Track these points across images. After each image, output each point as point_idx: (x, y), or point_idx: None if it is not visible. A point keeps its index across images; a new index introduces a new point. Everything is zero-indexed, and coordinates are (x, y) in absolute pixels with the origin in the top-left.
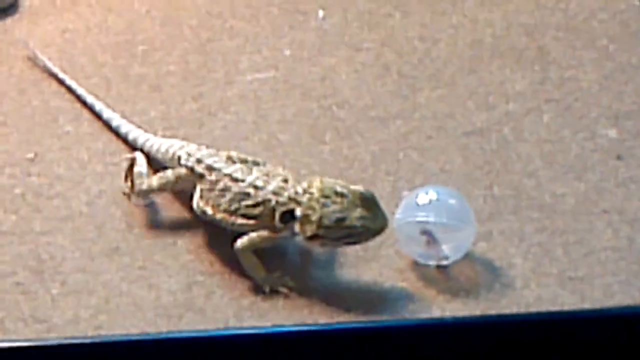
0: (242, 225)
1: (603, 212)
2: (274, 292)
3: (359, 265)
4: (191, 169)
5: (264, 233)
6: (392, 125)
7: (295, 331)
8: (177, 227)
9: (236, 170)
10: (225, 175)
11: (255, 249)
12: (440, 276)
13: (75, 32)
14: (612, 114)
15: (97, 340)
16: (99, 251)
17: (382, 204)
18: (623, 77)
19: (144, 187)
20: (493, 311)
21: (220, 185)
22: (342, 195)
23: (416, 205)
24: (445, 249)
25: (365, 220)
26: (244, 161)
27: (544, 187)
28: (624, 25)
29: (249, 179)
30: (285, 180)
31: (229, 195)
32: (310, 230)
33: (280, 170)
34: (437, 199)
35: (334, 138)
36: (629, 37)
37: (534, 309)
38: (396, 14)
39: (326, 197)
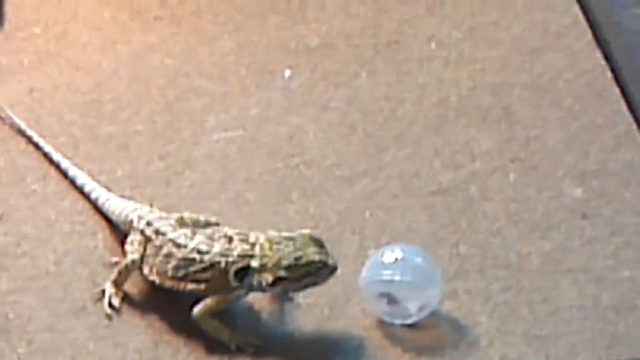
0: (193, 290)
1: (568, 271)
2: (241, 350)
3: (325, 323)
4: (141, 232)
5: (218, 297)
6: (358, 184)
7: None
8: (143, 286)
9: (179, 235)
10: (169, 240)
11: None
12: (406, 335)
13: (43, 91)
14: (578, 173)
15: None
16: (66, 310)
17: (349, 263)
18: (588, 137)
19: (131, 264)
20: None
21: (164, 250)
22: (291, 239)
23: (382, 264)
24: (411, 307)
25: (321, 255)
26: (195, 223)
27: (510, 246)
28: (589, 84)
29: (192, 244)
30: (230, 240)
31: (173, 262)
32: (271, 275)
33: (225, 229)
34: (403, 258)
35: (300, 197)
36: (594, 96)
37: None
38: (362, 73)
39: (277, 243)
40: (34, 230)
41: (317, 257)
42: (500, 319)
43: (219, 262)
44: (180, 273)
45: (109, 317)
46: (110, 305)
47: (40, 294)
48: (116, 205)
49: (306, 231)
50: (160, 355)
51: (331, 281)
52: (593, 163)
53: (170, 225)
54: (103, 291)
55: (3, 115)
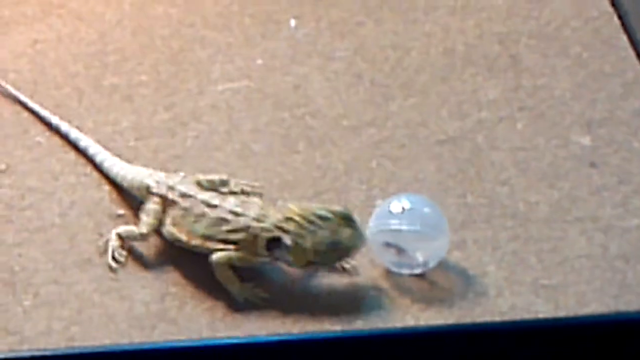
0: (220, 250)
1: (577, 220)
2: (248, 303)
3: (332, 275)
4: (162, 196)
5: (242, 254)
6: (364, 134)
7: (268, 341)
8: (150, 238)
9: (211, 196)
10: (201, 201)
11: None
12: (414, 285)
13: (47, 43)
14: (585, 122)
15: (69, 351)
16: (72, 262)
17: (355, 213)
18: (596, 85)
19: (139, 236)
20: (467, 319)
21: (195, 211)
22: (325, 219)
23: (389, 214)
24: (419, 257)
25: (354, 240)
26: (211, 183)
27: (518, 195)
28: (596, 32)
29: (226, 205)
30: (262, 208)
31: (205, 222)
32: (305, 258)
33: (254, 198)
34: (411, 208)
35: (306, 147)
36: (602, 44)
37: (507, 317)
38: (368, 22)
39: (310, 222)
40: (38, 182)
41: (350, 244)
42: (509, 269)
43: (252, 227)
44: (211, 231)
45: (113, 270)
46: (115, 259)
47: (46, 247)
48: (126, 172)
49: (338, 209)
50: (167, 307)
51: None
52: (601, 111)
53: (194, 187)
54: (108, 242)
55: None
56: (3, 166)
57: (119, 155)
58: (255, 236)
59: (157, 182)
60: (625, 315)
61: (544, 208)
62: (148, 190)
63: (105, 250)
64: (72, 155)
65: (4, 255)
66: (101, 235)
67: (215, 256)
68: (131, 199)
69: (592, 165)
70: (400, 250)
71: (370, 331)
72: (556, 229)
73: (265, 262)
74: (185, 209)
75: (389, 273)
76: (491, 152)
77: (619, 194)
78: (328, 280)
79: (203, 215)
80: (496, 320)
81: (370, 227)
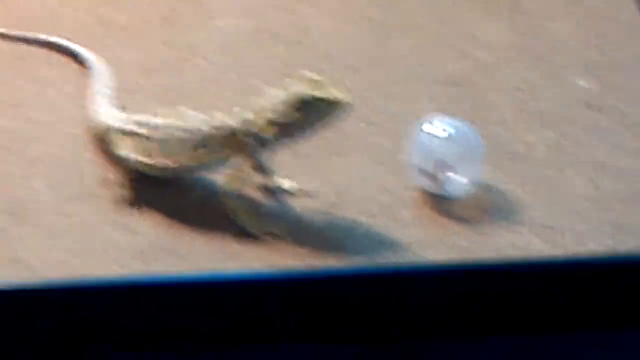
0: (212, 159)
1: (575, 161)
2: (258, 236)
3: (333, 211)
4: (130, 132)
5: (237, 163)
6: (365, 72)
7: (267, 274)
8: (151, 179)
9: (179, 123)
10: (173, 127)
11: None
12: (415, 223)
13: None
14: (585, 64)
15: (70, 281)
16: (74, 194)
17: (357, 152)
18: (597, 28)
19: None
20: (467, 257)
21: (173, 138)
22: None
23: (428, 135)
24: (460, 178)
25: (311, 90)
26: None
27: (516, 136)
28: None
29: (198, 123)
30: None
31: (188, 143)
32: (264, 122)
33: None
34: (453, 129)
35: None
36: None
37: (506, 255)
38: None
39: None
40: (41, 115)
41: (299, 92)
42: (507, 209)
43: (232, 127)
44: (197, 148)
45: (117, 202)
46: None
47: (48, 178)
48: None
49: (306, 74)
50: (169, 239)
51: (338, 168)
52: (600, 54)
53: (156, 117)
54: (110, 179)
55: None
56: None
57: (121, 90)
58: (239, 132)
59: (122, 121)
60: (621, 256)
61: (541, 148)
62: (115, 130)
63: (110, 184)
64: (72, 87)
65: (7, 186)
66: (104, 168)
67: (224, 181)
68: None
69: (590, 107)
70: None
71: (367, 267)
72: (554, 169)
73: (259, 155)
74: (159, 140)
75: (387, 209)
76: (490, 93)
77: (616, 135)
78: (328, 216)
79: (184, 139)
80: (494, 258)
81: (410, 147)
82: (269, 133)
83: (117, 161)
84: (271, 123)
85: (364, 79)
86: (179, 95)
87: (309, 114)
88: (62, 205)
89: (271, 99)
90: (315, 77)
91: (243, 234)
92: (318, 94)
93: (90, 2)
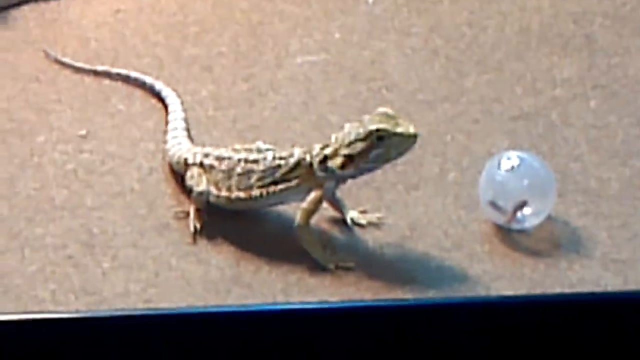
0: (282, 190)
1: None
2: (331, 270)
3: (405, 244)
4: (200, 164)
5: (310, 196)
6: (439, 108)
7: (341, 307)
8: (223, 212)
9: (248, 154)
10: (239, 160)
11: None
12: (486, 256)
13: (128, 13)
14: None
15: (146, 313)
16: (150, 227)
17: (429, 186)
18: None
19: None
20: (537, 291)
21: (238, 170)
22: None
23: (499, 169)
24: (527, 212)
25: (381, 124)
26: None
27: (589, 172)
28: None
29: (269, 155)
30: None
31: (255, 175)
32: (339, 157)
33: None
34: (520, 163)
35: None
36: None
37: (577, 289)
38: (445, 0)
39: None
40: (118, 148)
41: (374, 127)
42: (579, 243)
43: (304, 159)
44: (268, 180)
45: (193, 235)
46: (194, 227)
47: (125, 211)
48: (174, 149)
49: (379, 110)
50: (242, 272)
51: (411, 202)
52: None
53: (229, 151)
54: (187, 212)
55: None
56: (84, 132)
57: (198, 124)
58: (310, 164)
59: (194, 154)
60: None
61: (615, 185)
62: (185, 163)
63: (185, 217)
64: (151, 123)
65: (84, 218)
66: (179, 201)
67: (297, 220)
68: None
69: None
70: (504, 210)
71: (441, 300)
72: (627, 205)
73: (330, 188)
74: (225, 171)
75: (458, 244)
76: (564, 129)
77: None
78: (401, 249)
79: (251, 171)
80: (566, 292)
81: (481, 184)
82: (342, 166)
83: (192, 194)
84: (346, 157)
85: (439, 114)
86: (256, 130)
87: (383, 148)
88: (137, 238)
89: (346, 133)
90: (389, 112)
91: (316, 267)
92: (392, 128)
93: (168, 37)
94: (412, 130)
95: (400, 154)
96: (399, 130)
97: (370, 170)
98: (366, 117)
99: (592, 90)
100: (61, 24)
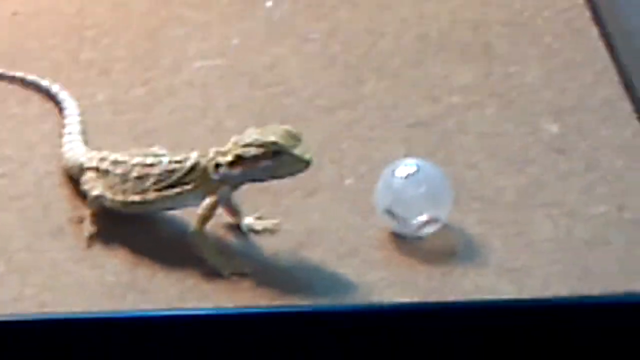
0: (177, 194)
1: (543, 205)
2: (226, 276)
3: (302, 251)
4: (96, 169)
5: (205, 201)
6: (337, 114)
7: (235, 313)
8: (118, 217)
9: (142, 159)
10: (135, 165)
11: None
12: (381, 263)
13: (25, 15)
14: (555, 110)
15: (40, 317)
16: (45, 231)
17: (326, 192)
18: (566, 74)
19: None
20: (432, 298)
21: (134, 174)
22: (263, 130)
23: (394, 176)
24: (422, 219)
25: (282, 139)
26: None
27: (485, 180)
28: (568, 23)
29: (164, 159)
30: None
31: (151, 179)
32: (230, 155)
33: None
34: (417, 170)
35: (278, 125)
36: (573, 34)
37: (472, 297)
38: (343, 6)
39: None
40: (14, 151)
41: (273, 138)
42: (475, 251)
43: (199, 163)
44: (163, 184)
45: (88, 240)
46: (89, 232)
47: (20, 214)
48: (69, 154)
49: (285, 126)
50: (138, 277)
51: (308, 208)
52: (570, 99)
53: (125, 155)
54: (82, 216)
55: None
56: None
57: (95, 128)
58: (205, 168)
59: (89, 159)
60: (587, 298)
61: (510, 193)
62: (81, 168)
63: (80, 222)
64: (47, 126)
65: None
66: (75, 206)
67: (193, 226)
68: None
69: (560, 151)
70: (400, 218)
71: (333, 307)
72: (522, 213)
73: (224, 193)
74: (120, 175)
75: (354, 251)
76: (461, 136)
77: (585, 181)
78: (297, 256)
79: (146, 175)
80: (460, 300)
81: (377, 191)
82: (231, 165)
83: (88, 198)
84: (237, 157)
85: (336, 121)
86: (153, 135)
87: (274, 163)
88: (32, 242)
89: (245, 135)
90: (294, 131)
91: (212, 273)
92: (290, 147)
93: (65, 40)
94: (307, 156)
95: (289, 174)
96: (296, 152)
97: (254, 180)
98: (270, 127)
99: (488, 97)
100: None
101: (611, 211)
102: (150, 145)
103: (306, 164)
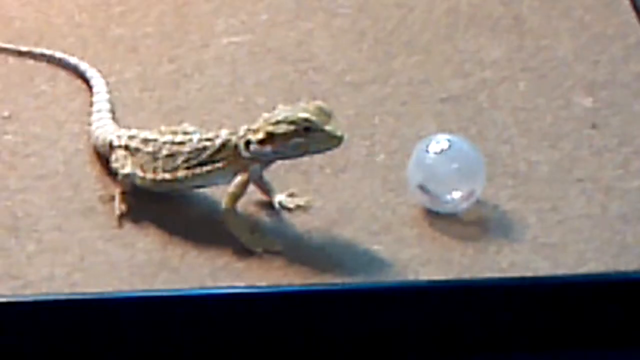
0: (208, 172)
1: (577, 180)
2: (258, 254)
3: (333, 228)
4: (125, 147)
5: (236, 179)
6: (367, 90)
7: (269, 292)
8: (149, 195)
9: (173, 137)
10: (164, 142)
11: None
12: (414, 241)
13: None
14: (587, 84)
15: (71, 297)
16: (75, 210)
17: (357, 168)
18: (598, 47)
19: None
20: (466, 275)
21: (164, 152)
22: (294, 107)
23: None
24: (455, 195)
25: (313, 116)
26: (174, 132)
27: (519, 155)
28: None
29: (196, 136)
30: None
31: (181, 157)
32: (261, 132)
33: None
34: (450, 146)
35: (309, 102)
36: (604, 7)
37: (507, 274)
38: None
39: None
40: (43, 130)
41: (304, 115)
42: (509, 227)
43: (229, 140)
44: (194, 162)
45: (119, 219)
46: (120, 211)
47: (49, 194)
48: (98, 132)
49: (316, 102)
50: (169, 256)
51: (339, 185)
52: (603, 73)
53: (155, 133)
54: (112, 195)
55: None
56: (7, 113)
57: (123, 106)
58: (235, 145)
59: (118, 137)
60: (623, 274)
61: (544, 168)
62: (111, 146)
63: (110, 200)
64: (75, 104)
65: (8, 200)
66: (105, 184)
67: (223, 203)
68: None
69: (593, 126)
70: (433, 194)
71: (368, 284)
72: (556, 188)
73: (256, 170)
74: (150, 153)
75: (388, 228)
76: (493, 111)
77: (620, 155)
78: (329, 233)
79: (176, 153)
80: (495, 277)
81: (410, 168)
82: (261, 142)
83: (118, 177)
84: (267, 134)
85: (367, 96)
86: (182, 112)
87: (305, 139)
88: (62, 221)
89: (276, 113)
90: (326, 107)
91: (244, 251)
92: (321, 123)
93: (93, 17)
94: (339, 132)
95: (320, 151)
96: (327, 128)
97: (285, 157)
98: (301, 104)
99: (520, 72)
100: None
101: None
102: (179, 123)
103: (338, 140)
